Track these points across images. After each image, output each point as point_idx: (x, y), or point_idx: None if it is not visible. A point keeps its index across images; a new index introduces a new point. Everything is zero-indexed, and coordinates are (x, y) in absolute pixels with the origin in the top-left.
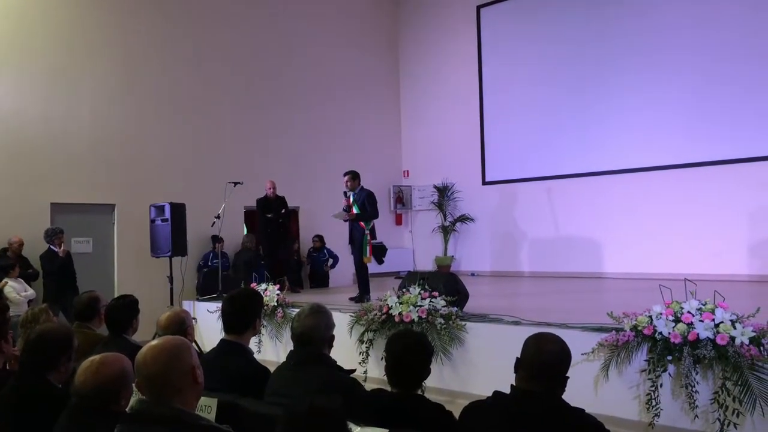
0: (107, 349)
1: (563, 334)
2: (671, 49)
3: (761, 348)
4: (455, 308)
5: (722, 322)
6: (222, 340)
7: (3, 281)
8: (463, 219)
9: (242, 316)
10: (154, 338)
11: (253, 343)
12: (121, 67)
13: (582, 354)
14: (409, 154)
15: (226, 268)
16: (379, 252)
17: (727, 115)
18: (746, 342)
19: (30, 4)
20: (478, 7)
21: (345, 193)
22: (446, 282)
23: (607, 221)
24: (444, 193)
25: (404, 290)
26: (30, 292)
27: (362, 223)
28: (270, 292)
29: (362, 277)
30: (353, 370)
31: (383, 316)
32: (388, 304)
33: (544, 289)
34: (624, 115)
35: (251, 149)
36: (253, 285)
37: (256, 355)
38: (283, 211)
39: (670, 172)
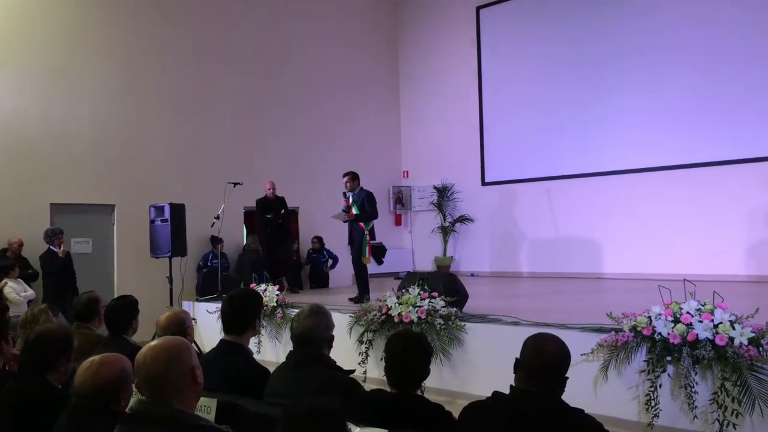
0: (107, 350)
1: (562, 334)
2: (671, 49)
3: (760, 348)
4: (455, 309)
5: (721, 322)
6: (221, 341)
7: (3, 282)
8: (463, 219)
9: (242, 317)
10: (153, 339)
11: (252, 344)
12: (121, 67)
13: (581, 354)
14: (408, 155)
15: (226, 268)
16: (379, 252)
17: (727, 116)
18: (745, 342)
19: (30, 4)
20: (478, 8)
21: (344, 193)
22: (446, 282)
23: (607, 222)
24: (443, 193)
25: (404, 291)
26: (29, 292)
27: (362, 224)
28: (269, 293)
29: (361, 278)
30: (352, 371)
31: (383, 317)
32: (387, 305)
33: (544, 289)
34: (624, 115)
35: (251, 149)
36: (253, 285)
37: (255, 356)
38: (283, 211)
39: (670, 172)
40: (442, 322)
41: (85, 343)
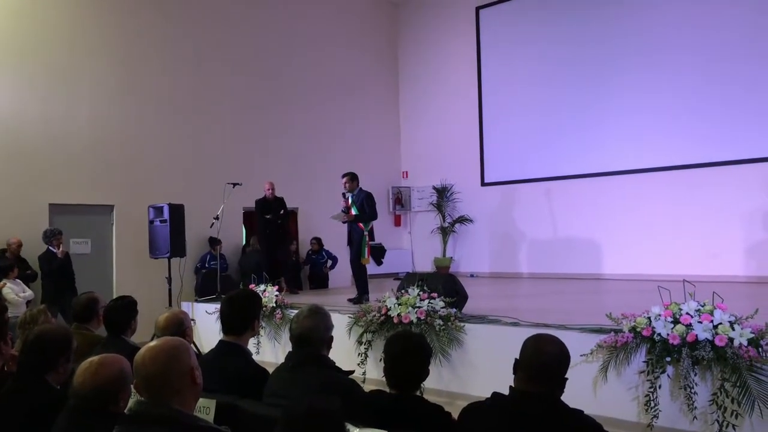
0: (106, 350)
1: (562, 335)
2: (671, 49)
3: (760, 349)
4: (454, 309)
5: (721, 323)
6: (220, 341)
7: (1, 282)
8: (462, 220)
9: (241, 318)
10: (152, 339)
11: (251, 344)
12: (120, 67)
13: (581, 355)
14: (408, 155)
15: (225, 269)
16: (378, 253)
17: (727, 116)
18: (745, 343)
19: (30, 4)
20: (478, 8)
21: (344, 194)
22: (445, 283)
23: (606, 222)
24: (443, 194)
25: (403, 291)
26: (28, 293)
27: (361, 225)
28: (269, 294)
29: (360, 279)
30: (352, 372)
31: (382, 318)
32: (386, 306)
33: (543, 290)
34: (624, 115)
35: (251, 149)
36: (252, 286)
37: (254, 356)
38: (282, 212)
39: (670, 173)
40: (442, 322)
41: (84, 343)
